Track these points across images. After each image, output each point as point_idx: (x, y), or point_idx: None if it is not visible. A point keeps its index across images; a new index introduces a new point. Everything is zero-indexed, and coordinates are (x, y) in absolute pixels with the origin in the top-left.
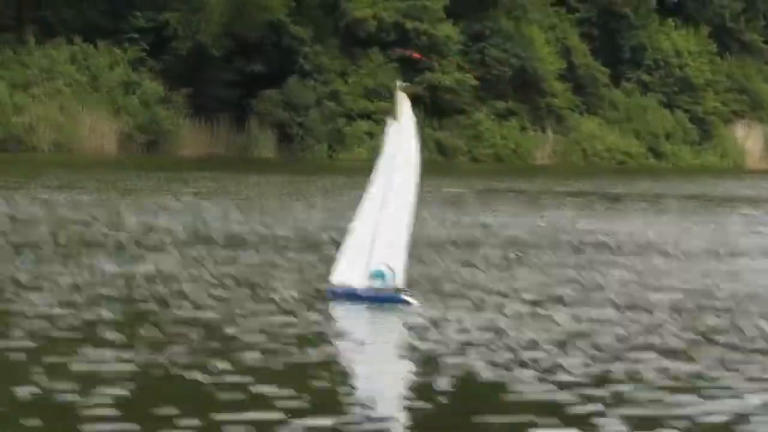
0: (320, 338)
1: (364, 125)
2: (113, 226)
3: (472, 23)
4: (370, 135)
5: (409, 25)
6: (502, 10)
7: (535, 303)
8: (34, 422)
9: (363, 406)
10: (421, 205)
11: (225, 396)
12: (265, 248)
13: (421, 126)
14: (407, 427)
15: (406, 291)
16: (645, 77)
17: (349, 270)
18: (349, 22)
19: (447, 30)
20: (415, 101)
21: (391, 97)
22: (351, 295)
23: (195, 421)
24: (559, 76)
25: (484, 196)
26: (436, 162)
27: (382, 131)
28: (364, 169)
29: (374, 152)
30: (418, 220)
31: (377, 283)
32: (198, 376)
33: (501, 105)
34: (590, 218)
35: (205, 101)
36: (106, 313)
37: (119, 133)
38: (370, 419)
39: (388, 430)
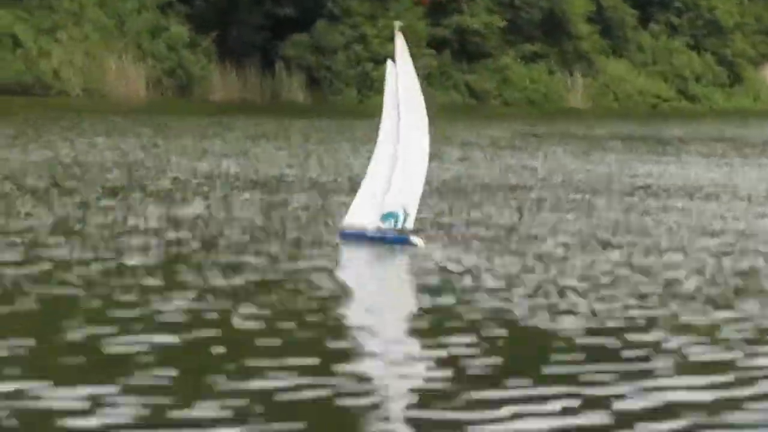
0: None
1: None
2: (161, 170)
3: None
4: None
5: None
6: None
7: (581, 246)
8: (79, 369)
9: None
10: (467, 148)
11: (267, 341)
12: (312, 191)
13: (450, 70)
14: (445, 368)
15: (412, 232)
16: (674, 19)
17: (362, 212)
18: None
19: None
20: (442, 45)
21: (417, 40)
22: (360, 237)
23: (234, 365)
24: (587, 18)
25: (527, 139)
26: (470, 105)
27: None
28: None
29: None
30: (468, 162)
31: (387, 225)
32: (240, 321)
33: (528, 48)
34: (638, 162)
35: (233, 45)
36: (152, 258)
37: (148, 77)
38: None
39: (426, 377)
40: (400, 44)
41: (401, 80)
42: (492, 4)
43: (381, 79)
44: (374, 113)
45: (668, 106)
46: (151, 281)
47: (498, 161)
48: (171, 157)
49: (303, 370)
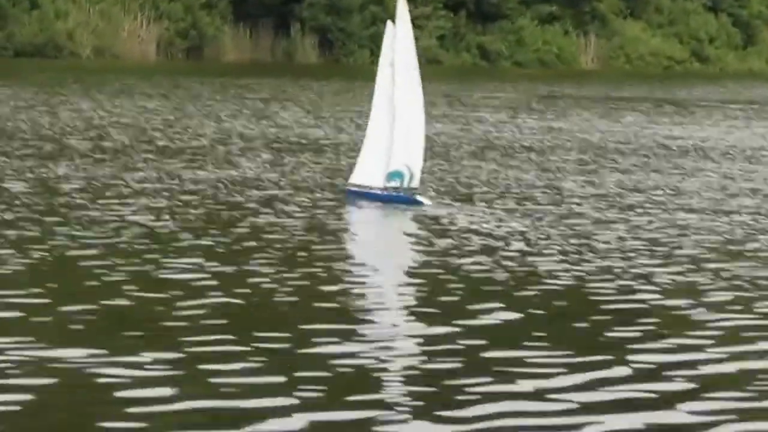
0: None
1: None
2: (188, 131)
3: None
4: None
5: None
6: None
7: (614, 208)
8: (128, 334)
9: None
10: (484, 110)
11: (310, 307)
12: (337, 151)
13: (464, 31)
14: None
15: (417, 191)
16: None
17: (368, 171)
18: None
19: None
20: (459, 6)
21: (432, 1)
22: (367, 195)
23: (284, 334)
24: None
25: (545, 101)
26: (480, 67)
27: (423, 35)
28: None
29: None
30: (489, 125)
31: (393, 184)
32: (283, 290)
33: (545, 9)
34: (660, 124)
35: (248, 7)
36: (189, 221)
37: (159, 38)
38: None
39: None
40: (402, 6)
41: (399, 41)
42: None
43: None
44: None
45: (681, 67)
46: (192, 242)
47: (518, 123)
48: (195, 117)
49: (344, 334)
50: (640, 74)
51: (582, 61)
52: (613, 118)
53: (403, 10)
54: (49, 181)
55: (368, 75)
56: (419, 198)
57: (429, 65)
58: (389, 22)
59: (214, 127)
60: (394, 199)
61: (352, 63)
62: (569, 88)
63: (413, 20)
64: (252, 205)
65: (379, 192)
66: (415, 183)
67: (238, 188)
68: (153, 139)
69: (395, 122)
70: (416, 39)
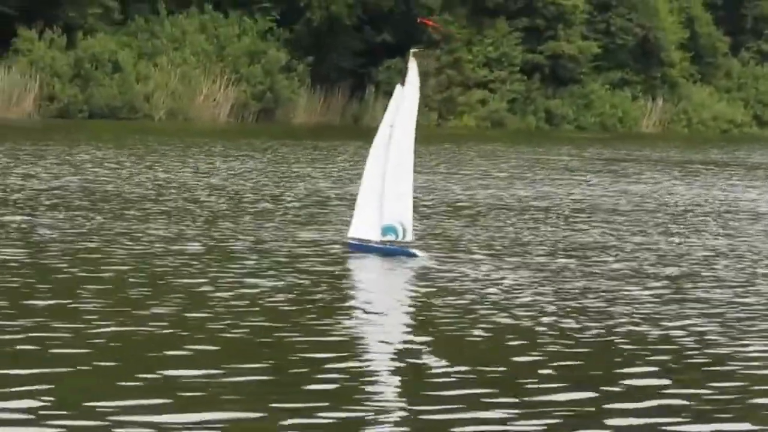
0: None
1: (478, 93)
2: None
3: None
4: (483, 103)
5: None
6: None
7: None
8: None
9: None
10: (560, 172)
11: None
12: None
13: (535, 95)
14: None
15: (412, 245)
16: (765, 47)
17: (363, 225)
18: None
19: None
20: (534, 69)
21: (510, 65)
22: (366, 248)
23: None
24: (679, 45)
25: (616, 164)
26: (542, 129)
27: (495, 98)
28: (471, 137)
29: (484, 121)
30: (573, 187)
31: (389, 237)
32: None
33: (616, 75)
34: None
35: (327, 70)
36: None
37: (234, 101)
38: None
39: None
40: (413, 70)
41: (403, 104)
42: (588, 30)
43: (466, 104)
44: (450, 139)
45: (738, 131)
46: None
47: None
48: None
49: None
50: (699, 138)
51: (643, 124)
52: (682, 180)
53: (413, 72)
54: (168, 241)
55: (431, 137)
56: (415, 251)
57: (493, 128)
58: (398, 85)
59: (305, 187)
60: (392, 251)
61: (420, 123)
62: (624, 151)
63: (488, 84)
64: None
65: (377, 244)
66: (409, 236)
67: None
68: (254, 200)
69: (386, 181)
70: (487, 102)
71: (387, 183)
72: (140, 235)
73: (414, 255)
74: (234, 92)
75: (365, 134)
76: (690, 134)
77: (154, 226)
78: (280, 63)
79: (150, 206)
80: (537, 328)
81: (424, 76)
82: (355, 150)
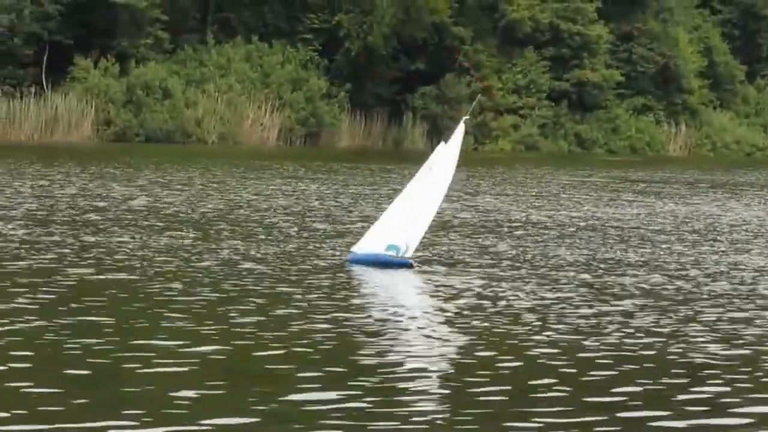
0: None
1: (509, 119)
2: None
3: (621, 24)
4: (515, 128)
5: (563, 26)
6: (651, 13)
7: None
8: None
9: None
10: (603, 199)
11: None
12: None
13: (564, 120)
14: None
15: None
16: None
17: (371, 240)
18: (507, 23)
19: (598, 30)
20: (562, 96)
21: (538, 92)
22: (364, 260)
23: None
24: (698, 73)
25: (650, 185)
26: (574, 153)
27: (526, 124)
28: (507, 159)
29: (518, 144)
30: (625, 210)
31: (390, 252)
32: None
33: (639, 101)
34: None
35: (365, 97)
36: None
37: (281, 126)
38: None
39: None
40: (459, 133)
41: (442, 161)
42: (611, 59)
43: (499, 129)
44: (485, 163)
45: (761, 154)
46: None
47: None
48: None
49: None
50: (726, 161)
51: (670, 148)
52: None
53: (459, 133)
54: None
55: (469, 161)
56: (408, 261)
57: (527, 151)
58: (441, 143)
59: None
60: (386, 260)
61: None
62: (657, 173)
63: (518, 110)
64: None
65: (374, 255)
66: (409, 254)
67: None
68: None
69: (410, 210)
70: (518, 127)
71: (408, 207)
72: (244, 254)
73: (406, 264)
74: (279, 117)
75: (408, 158)
76: (716, 158)
77: (265, 248)
78: (321, 90)
79: (255, 227)
80: (557, 345)
81: (458, 103)
82: (410, 172)
